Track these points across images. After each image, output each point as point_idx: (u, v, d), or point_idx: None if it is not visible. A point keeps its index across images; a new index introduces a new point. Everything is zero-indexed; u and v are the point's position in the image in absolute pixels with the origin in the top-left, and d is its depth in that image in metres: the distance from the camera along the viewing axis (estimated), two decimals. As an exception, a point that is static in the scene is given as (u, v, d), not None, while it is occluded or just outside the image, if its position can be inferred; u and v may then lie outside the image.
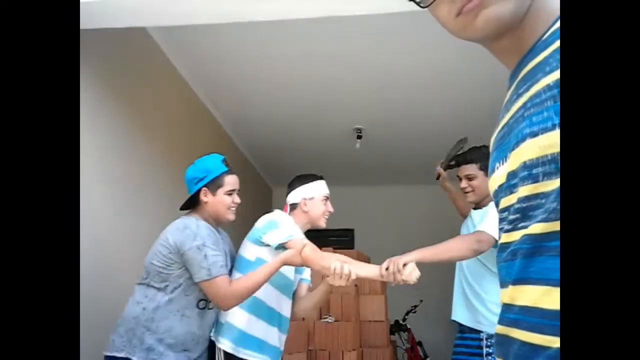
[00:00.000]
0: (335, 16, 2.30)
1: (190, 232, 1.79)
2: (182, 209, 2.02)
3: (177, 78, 3.71)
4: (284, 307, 2.01)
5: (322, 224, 2.10)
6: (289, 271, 1.98)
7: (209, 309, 1.88)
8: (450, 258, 1.97)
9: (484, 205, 2.16)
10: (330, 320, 3.28)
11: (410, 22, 3.10)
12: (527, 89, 0.65)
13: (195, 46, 3.45)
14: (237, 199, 2.00)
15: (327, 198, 2.12)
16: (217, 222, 1.97)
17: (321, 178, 2.15)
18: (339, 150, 5.45)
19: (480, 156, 2.11)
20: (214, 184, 1.94)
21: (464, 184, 2.13)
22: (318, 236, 8.40)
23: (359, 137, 4.90)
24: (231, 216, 2.00)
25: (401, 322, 4.82)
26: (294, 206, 2.08)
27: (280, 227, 1.91)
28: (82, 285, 1.95)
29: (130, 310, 1.79)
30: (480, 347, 2.13)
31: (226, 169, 1.98)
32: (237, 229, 5.28)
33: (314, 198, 2.07)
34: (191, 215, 1.94)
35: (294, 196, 2.08)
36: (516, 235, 0.61)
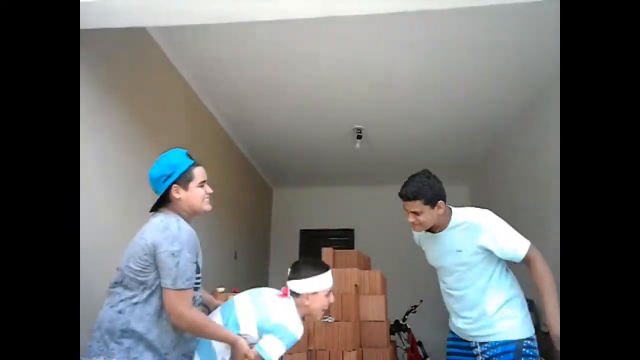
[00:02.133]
0: (335, 16, 2.30)
1: (170, 234, 1.71)
2: (152, 210, 1.93)
3: (177, 78, 3.71)
4: None
5: (319, 317, 2.03)
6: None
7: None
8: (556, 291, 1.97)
9: (440, 229, 2.14)
10: (330, 320, 3.28)
11: (410, 22, 3.11)
12: None
13: (195, 46, 3.45)
14: (209, 189, 1.95)
15: (330, 290, 2.03)
16: (193, 215, 1.92)
17: (328, 269, 2.05)
18: (339, 150, 5.45)
19: (423, 191, 2.09)
20: (184, 179, 1.88)
21: (411, 218, 2.13)
22: (319, 237, 8.35)
23: (359, 137, 4.90)
24: (207, 206, 1.95)
25: (401, 322, 4.82)
26: (295, 294, 1.98)
27: (281, 340, 1.82)
28: (82, 285, 1.95)
29: (105, 314, 1.71)
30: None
31: (192, 161, 1.94)
32: (237, 228, 5.26)
33: (317, 293, 1.97)
34: (169, 213, 1.85)
35: (296, 286, 1.97)
36: None
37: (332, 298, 2.03)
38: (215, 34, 3.26)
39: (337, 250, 4.03)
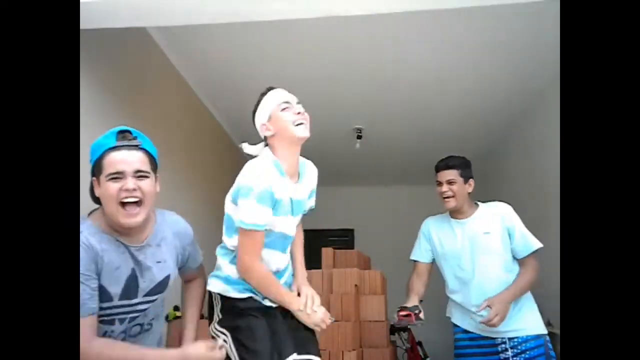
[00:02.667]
0: (335, 16, 2.30)
1: None
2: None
3: (177, 78, 3.71)
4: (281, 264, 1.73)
5: (300, 133, 1.66)
6: (289, 229, 1.70)
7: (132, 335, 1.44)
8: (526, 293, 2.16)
9: (465, 216, 2.19)
10: (330, 320, 3.28)
11: (410, 22, 3.10)
12: None
13: (195, 46, 3.45)
14: (130, 184, 1.31)
15: (287, 103, 1.68)
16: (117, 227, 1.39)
17: (270, 89, 1.76)
18: (339, 150, 5.45)
19: (461, 164, 2.19)
20: (97, 170, 1.37)
21: (444, 188, 2.17)
22: (319, 237, 8.36)
23: (359, 137, 4.90)
24: (125, 219, 1.32)
25: (401, 322, 4.82)
26: (265, 142, 1.71)
27: (248, 198, 1.49)
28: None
29: None
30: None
31: (113, 144, 1.36)
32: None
33: (271, 116, 1.66)
34: (93, 215, 1.42)
35: (259, 128, 1.71)
36: None
37: (299, 108, 1.68)
38: (215, 34, 3.25)
39: (337, 250, 4.04)
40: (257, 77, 3.92)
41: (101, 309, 1.34)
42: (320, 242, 6.05)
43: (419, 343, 4.89)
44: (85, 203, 2.31)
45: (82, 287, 1.27)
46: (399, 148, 5.49)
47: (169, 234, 1.52)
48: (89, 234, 1.33)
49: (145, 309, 1.45)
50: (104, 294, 1.33)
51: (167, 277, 1.49)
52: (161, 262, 1.46)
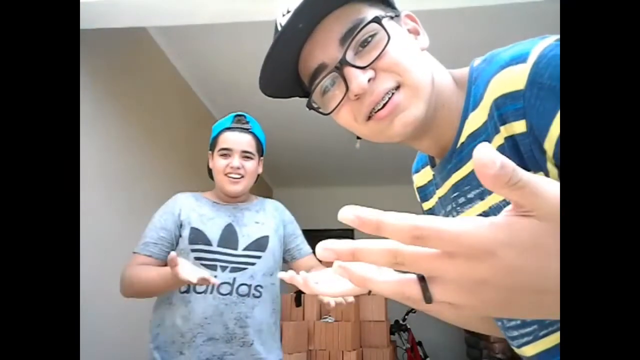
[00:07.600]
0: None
1: None
2: None
3: (177, 78, 3.71)
4: None
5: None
6: None
7: (197, 292, 1.46)
8: None
9: None
10: (330, 320, 3.28)
11: (410, 22, 3.10)
12: (480, 196, 0.62)
13: (195, 46, 3.45)
14: (236, 162, 1.56)
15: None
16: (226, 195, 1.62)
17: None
18: (339, 150, 5.45)
19: None
20: (213, 146, 1.66)
21: None
22: (319, 237, 8.43)
23: (359, 137, 4.91)
24: (229, 186, 1.56)
25: (401, 322, 4.82)
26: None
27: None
28: (82, 285, 1.95)
29: None
30: None
31: (228, 124, 1.62)
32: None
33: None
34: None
35: None
36: None
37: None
38: (216, 33, 3.25)
39: (337, 250, 4.04)
40: (257, 77, 3.92)
41: (202, 251, 1.51)
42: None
43: (419, 343, 4.89)
44: (86, 203, 2.32)
45: (152, 232, 1.53)
46: (399, 148, 5.48)
47: (269, 207, 1.71)
48: (189, 195, 1.64)
49: (245, 267, 1.52)
50: (200, 236, 1.52)
51: (266, 238, 1.59)
52: (259, 223, 1.61)
